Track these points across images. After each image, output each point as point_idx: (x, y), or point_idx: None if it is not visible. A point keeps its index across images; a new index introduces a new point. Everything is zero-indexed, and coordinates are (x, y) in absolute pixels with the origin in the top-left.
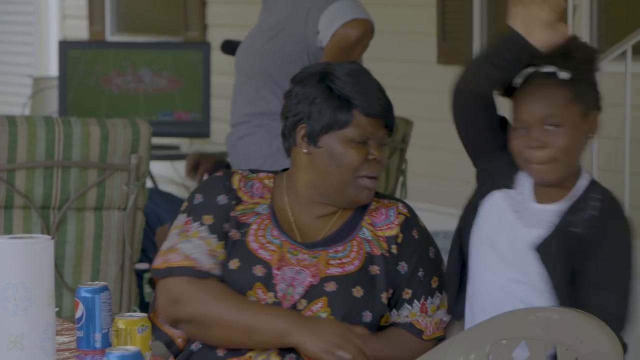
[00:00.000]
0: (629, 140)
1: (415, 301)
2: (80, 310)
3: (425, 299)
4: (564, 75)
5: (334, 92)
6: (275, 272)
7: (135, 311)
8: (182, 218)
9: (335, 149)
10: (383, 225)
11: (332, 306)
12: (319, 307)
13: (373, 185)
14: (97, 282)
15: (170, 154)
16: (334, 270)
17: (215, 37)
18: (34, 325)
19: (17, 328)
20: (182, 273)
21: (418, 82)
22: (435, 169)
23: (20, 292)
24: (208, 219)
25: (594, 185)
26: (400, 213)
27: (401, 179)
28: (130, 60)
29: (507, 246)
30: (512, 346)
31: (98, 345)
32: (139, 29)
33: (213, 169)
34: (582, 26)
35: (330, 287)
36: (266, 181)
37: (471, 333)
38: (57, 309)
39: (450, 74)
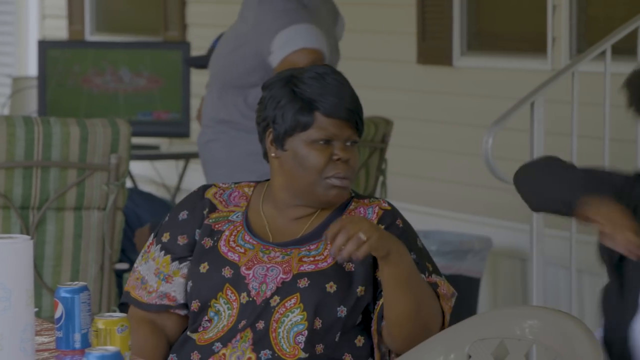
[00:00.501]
0: (608, 140)
1: (420, 274)
2: (59, 311)
3: (430, 275)
4: None
5: (297, 95)
6: (245, 271)
7: (115, 311)
8: (150, 237)
9: (299, 152)
10: None
11: (305, 302)
12: (292, 303)
13: (342, 184)
14: (76, 282)
15: (150, 154)
16: (307, 267)
17: (195, 37)
18: (13, 325)
19: None
20: (128, 299)
21: (398, 82)
22: (415, 168)
23: None
24: (166, 237)
25: None
26: (381, 208)
27: (381, 178)
28: (109, 60)
29: None
30: (491, 346)
31: (77, 345)
32: (119, 28)
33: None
34: (561, 26)
35: (303, 283)
36: (246, 189)
37: (451, 333)
38: (36, 309)
39: (430, 74)
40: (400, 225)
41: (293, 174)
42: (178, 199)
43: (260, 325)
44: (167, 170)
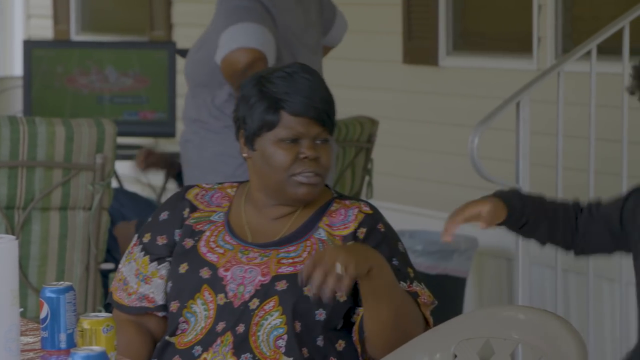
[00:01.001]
0: (594, 140)
1: (402, 282)
2: (45, 311)
3: (411, 283)
4: None
5: (264, 94)
6: (223, 273)
7: (100, 311)
8: (135, 238)
9: (266, 151)
10: (340, 225)
11: (283, 305)
12: (271, 306)
13: (309, 181)
14: (62, 282)
15: (136, 154)
16: (286, 270)
17: (181, 37)
18: None
19: None
20: (111, 301)
21: (384, 82)
22: (401, 168)
23: None
24: (147, 237)
25: None
26: (361, 212)
27: (367, 178)
28: (95, 59)
29: None
30: (477, 345)
31: (63, 345)
32: (104, 28)
33: (162, 164)
34: (547, 25)
35: (281, 285)
36: (229, 190)
37: (436, 333)
38: (21, 309)
39: (416, 74)
40: (382, 229)
41: (263, 174)
42: (164, 199)
43: (240, 328)
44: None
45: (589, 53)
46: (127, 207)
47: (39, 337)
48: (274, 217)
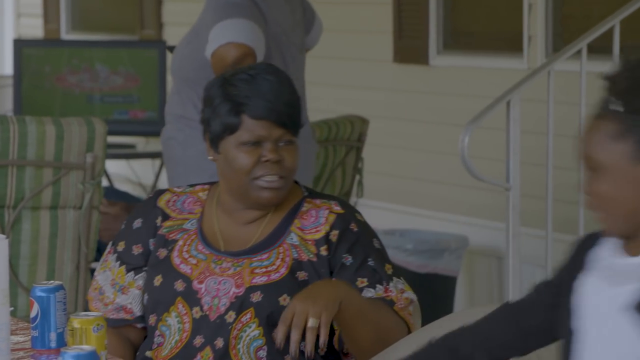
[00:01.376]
0: None
1: (378, 285)
2: (35, 310)
3: (387, 284)
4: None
5: (227, 97)
6: (197, 285)
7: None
8: (109, 245)
9: (229, 154)
10: (312, 228)
11: (259, 316)
12: (248, 318)
13: (271, 185)
14: (52, 282)
15: (126, 153)
16: (259, 280)
17: (171, 36)
18: None
19: None
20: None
21: (374, 81)
22: (392, 167)
23: None
24: (121, 246)
25: None
26: (332, 212)
27: (357, 177)
28: (85, 58)
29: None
30: None
31: (53, 344)
32: (95, 27)
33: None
34: (537, 24)
35: (256, 297)
36: (200, 194)
37: (426, 331)
38: (11, 308)
39: (407, 73)
40: (355, 229)
41: (228, 177)
42: None
43: (219, 343)
44: (143, 169)
45: (579, 52)
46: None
47: (29, 336)
48: (245, 222)
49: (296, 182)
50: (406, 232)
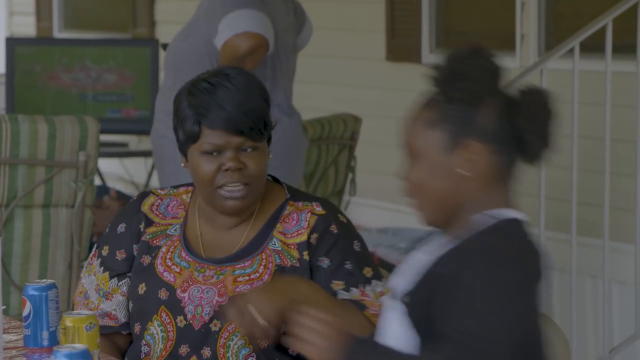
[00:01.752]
0: (576, 137)
1: (353, 288)
2: (27, 308)
3: (364, 287)
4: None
5: (189, 106)
6: (180, 294)
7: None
8: (94, 248)
9: (193, 162)
10: (294, 232)
11: None
12: (233, 327)
13: (233, 195)
14: (44, 280)
15: (119, 151)
16: (242, 288)
17: (164, 34)
18: None
19: None
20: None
21: (367, 79)
22: (384, 165)
23: None
24: (105, 250)
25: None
26: (313, 214)
27: (350, 175)
28: (78, 56)
29: None
30: None
31: (46, 343)
32: (87, 25)
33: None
34: (530, 23)
35: None
36: (184, 196)
37: None
38: (4, 307)
39: (399, 71)
40: (335, 231)
41: (196, 185)
42: None
43: (207, 352)
44: (136, 168)
45: (571, 50)
46: None
47: (22, 335)
48: (227, 228)
49: (280, 183)
50: (399, 230)
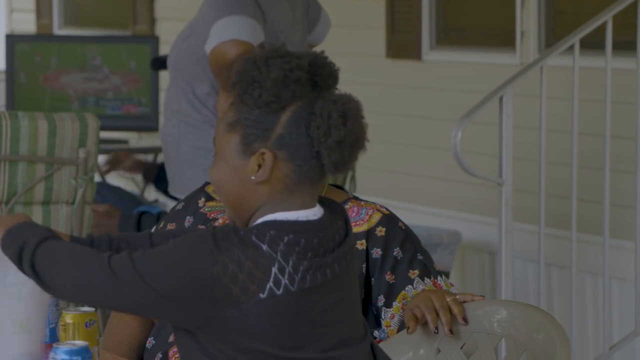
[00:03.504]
0: (576, 134)
1: (426, 279)
2: None
3: (436, 278)
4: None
5: None
6: None
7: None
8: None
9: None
10: (352, 222)
11: None
12: None
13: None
14: None
15: (119, 148)
16: None
17: (164, 31)
18: None
19: None
20: None
21: (367, 76)
22: (384, 162)
23: None
24: (160, 225)
25: None
26: (378, 211)
27: (350, 172)
28: (77, 53)
29: None
30: (460, 340)
31: (45, 340)
32: (87, 22)
33: (132, 168)
34: (530, 20)
35: None
36: None
37: (420, 328)
38: None
39: (399, 68)
40: (403, 227)
41: None
42: (147, 193)
43: None
44: None
45: (571, 47)
46: (110, 202)
47: None
48: None
49: (343, 190)
50: None
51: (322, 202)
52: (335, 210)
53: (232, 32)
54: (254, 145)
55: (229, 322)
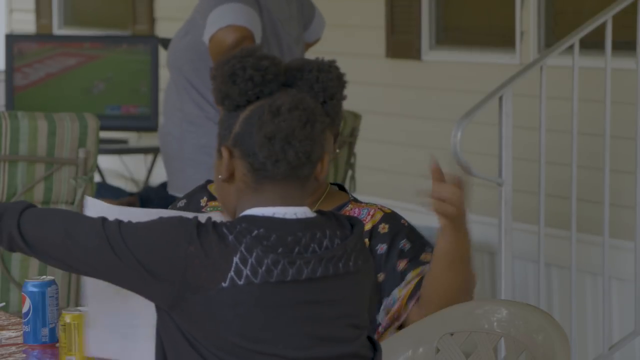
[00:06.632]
0: (576, 134)
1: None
2: (27, 305)
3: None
4: None
5: None
6: None
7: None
8: None
9: None
10: None
11: None
12: None
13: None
14: (44, 277)
15: (119, 148)
16: None
17: (164, 31)
18: None
19: None
20: None
21: (367, 76)
22: (384, 162)
23: None
24: None
25: None
26: (380, 210)
27: (350, 172)
28: (77, 53)
29: None
30: (460, 340)
31: (45, 339)
32: (87, 22)
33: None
34: (529, 20)
35: None
36: None
37: (419, 327)
38: (3, 303)
39: (399, 68)
40: (406, 224)
41: None
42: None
43: None
44: (136, 165)
45: (571, 47)
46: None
47: (21, 332)
48: None
49: (345, 191)
50: None
51: (334, 215)
52: (340, 222)
53: (228, 18)
54: (222, 145)
55: (197, 308)
